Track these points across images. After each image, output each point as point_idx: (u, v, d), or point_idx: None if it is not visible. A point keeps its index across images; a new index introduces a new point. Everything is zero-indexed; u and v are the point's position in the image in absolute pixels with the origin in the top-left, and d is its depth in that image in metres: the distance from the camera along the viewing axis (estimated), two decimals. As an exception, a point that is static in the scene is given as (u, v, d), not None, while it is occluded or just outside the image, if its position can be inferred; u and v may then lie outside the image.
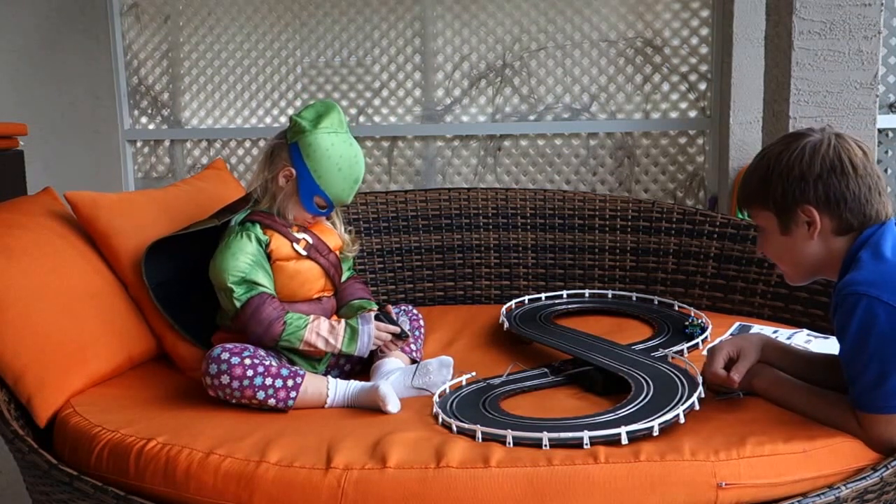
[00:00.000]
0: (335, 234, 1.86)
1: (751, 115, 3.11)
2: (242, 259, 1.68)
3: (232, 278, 1.66)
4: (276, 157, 1.75)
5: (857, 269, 1.33)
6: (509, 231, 2.38)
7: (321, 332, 1.68)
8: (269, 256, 1.72)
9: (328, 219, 1.86)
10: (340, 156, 1.71)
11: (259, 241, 1.71)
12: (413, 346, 1.83)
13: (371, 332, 1.70)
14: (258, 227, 1.72)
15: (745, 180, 1.47)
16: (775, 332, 1.85)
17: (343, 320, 1.72)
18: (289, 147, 1.72)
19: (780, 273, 1.50)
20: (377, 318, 1.73)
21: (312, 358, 1.76)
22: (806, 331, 1.86)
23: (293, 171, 1.72)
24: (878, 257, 1.33)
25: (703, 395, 1.43)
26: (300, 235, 1.76)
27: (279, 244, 1.73)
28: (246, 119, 3.67)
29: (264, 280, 1.69)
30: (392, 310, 1.79)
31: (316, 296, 1.79)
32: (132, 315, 1.84)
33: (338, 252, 1.85)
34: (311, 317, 1.70)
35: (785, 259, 1.45)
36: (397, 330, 1.73)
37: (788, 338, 1.80)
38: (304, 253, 1.75)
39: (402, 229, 2.37)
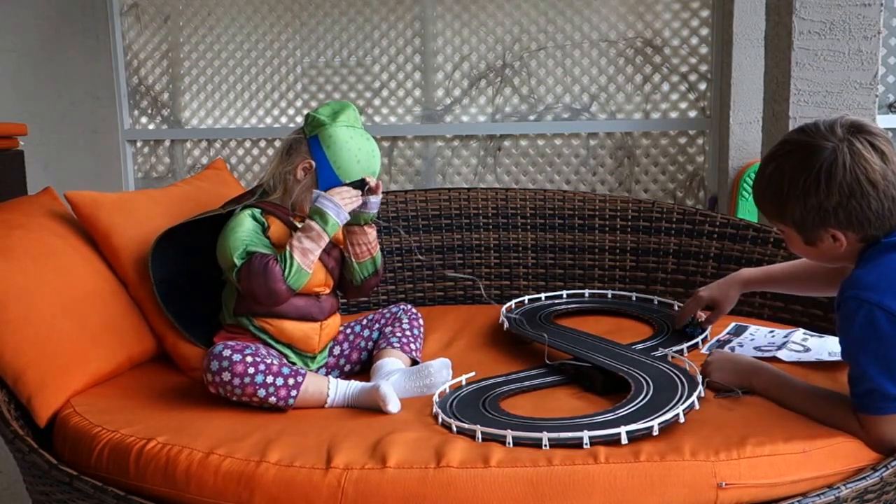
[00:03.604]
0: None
1: (751, 115, 3.11)
2: (240, 232, 1.68)
3: (236, 252, 1.66)
4: (294, 150, 1.76)
5: (864, 267, 1.33)
6: (509, 231, 2.38)
7: (301, 238, 1.66)
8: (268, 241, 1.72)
9: None
10: (359, 148, 1.74)
11: (255, 219, 1.72)
12: (413, 346, 1.83)
13: (329, 197, 1.68)
14: (259, 210, 1.73)
15: (760, 196, 1.43)
16: (771, 332, 1.85)
17: (305, 217, 1.72)
18: (307, 140, 1.75)
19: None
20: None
21: (306, 356, 1.77)
22: (802, 330, 1.86)
23: (313, 162, 1.73)
24: (890, 259, 1.32)
25: (702, 395, 1.44)
26: (301, 225, 1.76)
27: (278, 229, 1.73)
28: (246, 119, 3.67)
29: (264, 250, 1.68)
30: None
31: (315, 290, 1.77)
32: (132, 315, 1.84)
33: (341, 247, 1.85)
34: (289, 241, 1.68)
35: (812, 257, 1.45)
36: (348, 185, 1.72)
37: (785, 336, 1.80)
38: None
39: (402, 229, 2.37)
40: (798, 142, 1.37)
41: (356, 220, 1.79)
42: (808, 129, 1.36)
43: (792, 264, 1.71)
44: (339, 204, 1.69)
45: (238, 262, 1.66)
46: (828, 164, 1.30)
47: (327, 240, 1.69)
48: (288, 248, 1.66)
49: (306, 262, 1.66)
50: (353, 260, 1.83)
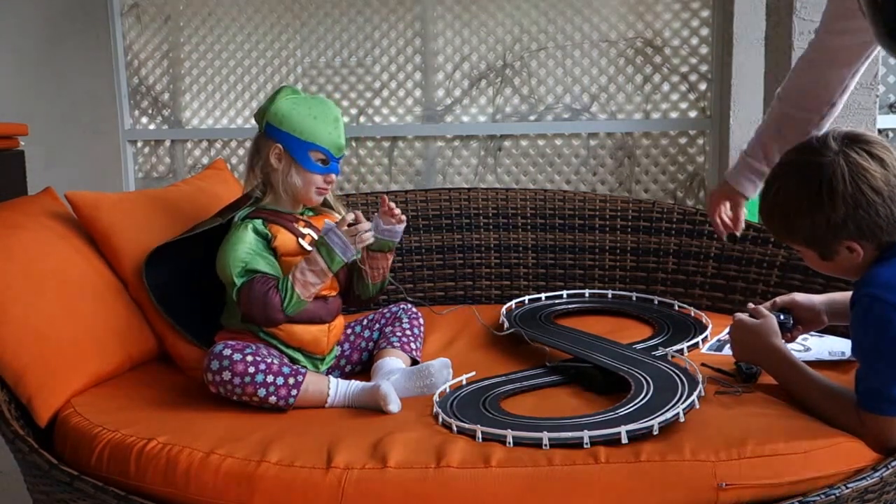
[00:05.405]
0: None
1: (751, 115, 3.11)
2: (241, 248, 1.68)
3: (235, 269, 1.66)
4: (258, 147, 1.79)
5: (881, 266, 1.32)
6: (509, 231, 2.38)
7: (305, 270, 1.66)
8: (275, 252, 1.72)
9: (324, 204, 1.85)
10: (309, 106, 1.75)
11: (258, 231, 1.71)
12: (413, 346, 1.83)
13: (337, 231, 1.67)
14: (260, 221, 1.73)
15: (768, 220, 1.43)
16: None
17: (312, 248, 1.70)
18: (264, 132, 1.77)
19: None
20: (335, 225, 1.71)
21: (316, 358, 1.76)
22: (804, 330, 1.86)
23: (279, 145, 1.74)
24: None
25: (703, 395, 1.44)
26: (305, 231, 1.76)
27: (285, 239, 1.73)
28: (246, 119, 3.67)
29: (265, 268, 1.68)
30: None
31: (322, 293, 1.77)
32: (132, 315, 1.84)
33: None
34: (292, 271, 1.67)
35: (831, 271, 1.44)
36: (352, 217, 1.70)
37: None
38: (309, 248, 1.74)
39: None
40: (795, 161, 1.38)
41: (381, 246, 1.80)
42: (803, 148, 1.38)
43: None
44: (348, 242, 1.66)
45: (237, 280, 1.66)
46: (827, 179, 1.31)
47: (331, 276, 1.69)
48: (290, 278, 1.66)
49: (307, 294, 1.67)
50: (369, 280, 1.83)
